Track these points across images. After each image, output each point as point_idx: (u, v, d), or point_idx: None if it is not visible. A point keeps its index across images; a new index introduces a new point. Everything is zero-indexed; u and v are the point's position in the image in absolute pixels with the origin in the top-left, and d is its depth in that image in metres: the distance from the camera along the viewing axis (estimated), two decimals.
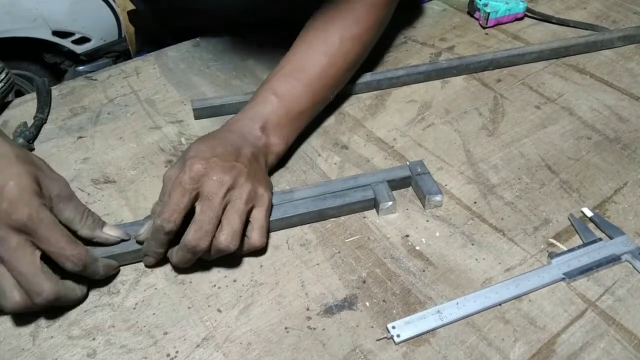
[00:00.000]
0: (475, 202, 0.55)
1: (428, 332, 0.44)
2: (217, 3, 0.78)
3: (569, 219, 0.53)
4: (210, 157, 0.49)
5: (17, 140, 0.61)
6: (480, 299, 0.46)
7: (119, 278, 0.49)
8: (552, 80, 0.70)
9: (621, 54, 0.74)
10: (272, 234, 0.52)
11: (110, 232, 0.48)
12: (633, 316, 0.45)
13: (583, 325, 0.44)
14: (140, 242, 0.49)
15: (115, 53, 2.00)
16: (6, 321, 0.46)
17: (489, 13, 0.79)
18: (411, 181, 0.56)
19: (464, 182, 0.57)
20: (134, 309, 0.47)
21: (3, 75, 0.68)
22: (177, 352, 0.44)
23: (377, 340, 0.44)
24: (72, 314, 0.46)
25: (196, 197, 0.47)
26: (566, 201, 0.55)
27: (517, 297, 0.46)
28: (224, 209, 0.47)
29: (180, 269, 0.49)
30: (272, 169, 0.58)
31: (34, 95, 0.71)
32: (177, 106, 0.69)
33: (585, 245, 0.49)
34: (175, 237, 0.47)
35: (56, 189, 0.47)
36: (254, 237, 0.49)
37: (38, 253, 0.43)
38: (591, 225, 0.52)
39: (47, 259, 0.44)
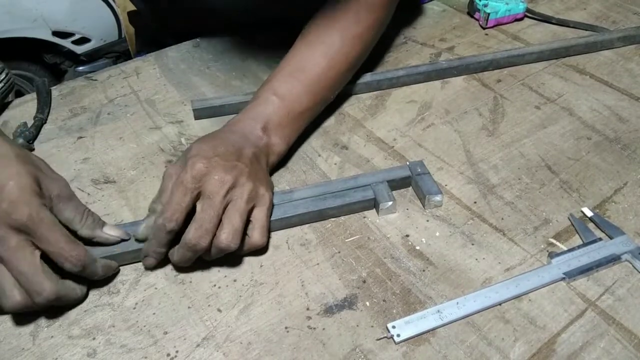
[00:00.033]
0: (475, 202, 0.55)
1: (428, 331, 0.44)
2: (217, 3, 0.78)
3: (569, 219, 0.53)
4: (212, 156, 0.49)
5: (17, 140, 0.61)
6: (480, 298, 0.46)
7: (119, 278, 0.49)
8: (552, 80, 0.70)
9: (621, 55, 0.74)
10: (272, 234, 0.52)
11: (110, 232, 0.48)
12: (633, 316, 0.45)
13: (583, 325, 0.44)
14: (139, 240, 0.49)
15: (115, 53, 2.01)
16: (6, 321, 0.46)
17: (488, 13, 0.79)
18: (411, 181, 0.56)
19: (464, 182, 0.57)
20: (134, 308, 0.47)
21: (3, 75, 0.68)
22: (177, 351, 0.44)
23: (377, 339, 0.44)
24: (72, 314, 0.46)
25: (198, 196, 0.47)
26: (566, 201, 0.55)
27: (517, 297, 0.46)
28: (225, 208, 0.47)
29: (180, 269, 0.49)
30: (272, 169, 0.58)
31: (34, 95, 0.71)
32: (177, 106, 0.69)
33: (585, 245, 0.50)
34: (175, 237, 0.47)
35: (56, 189, 0.47)
36: (255, 236, 0.49)
37: (38, 253, 0.43)
38: (591, 225, 0.52)
39: (47, 259, 0.44)
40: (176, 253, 0.47)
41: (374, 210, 0.54)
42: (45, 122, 0.67)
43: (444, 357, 0.43)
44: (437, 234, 0.52)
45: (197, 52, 0.78)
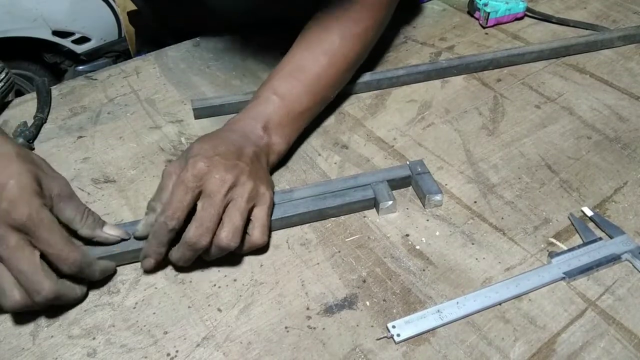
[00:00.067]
0: (475, 202, 0.55)
1: (428, 331, 0.44)
2: (217, 3, 0.78)
3: (569, 219, 0.53)
4: (212, 155, 0.49)
5: (17, 140, 0.61)
6: (480, 298, 0.46)
7: (119, 277, 0.49)
8: (552, 79, 0.70)
9: (621, 54, 0.74)
10: (272, 234, 0.52)
11: (110, 232, 0.48)
12: (633, 315, 0.45)
13: (583, 325, 0.44)
14: (138, 238, 0.49)
15: (115, 53, 2.00)
16: (6, 320, 0.46)
17: (489, 13, 0.79)
18: (411, 181, 0.56)
19: (464, 182, 0.57)
20: (134, 308, 0.47)
21: (3, 75, 0.68)
22: (177, 351, 0.44)
23: (377, 339, 0.44)
24: (72, 314, 0.46)
25: (198, 195, 0.47)
26: (566, 200, 0.55)
27: (517, 297, 0.46)
28: (226, 207, 0.47)
29: (180, 269, 0.49)
30: (273, 169, 0.58)
31: (34, 95, 0.71)
32: (177, 106, 0.69)
33: (585, 244, 0.49)
34: (175, 237, 0.47)
35: (57, 188, 0.47)
36: (256, 234, 0.49)
37: (37, 252, 0.43)
38: (591, 225, 0.52)
39: (46, 259, 0.44)
40: (176, 252, 0.47)
41: (374, 209, 0.54)
42: (45, 122, 0.67)
43: (444, 357, 0.43)
44: (437, 233, 0.52)
45: (197, 52, 0.78)
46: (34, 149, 0.63)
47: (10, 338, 0.45)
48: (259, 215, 0.49)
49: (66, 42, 1.90)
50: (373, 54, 0.69)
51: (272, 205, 0.52)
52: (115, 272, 0.49)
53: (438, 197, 0.54)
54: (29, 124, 0.65)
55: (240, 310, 0.46)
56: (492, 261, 0.49)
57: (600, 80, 0.70)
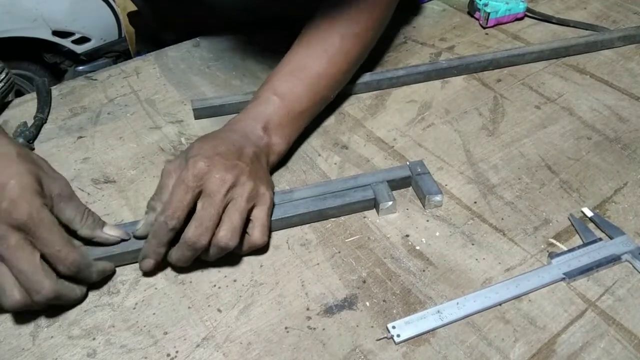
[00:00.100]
0: (475, 202, 0.55)
1: (428, 332, 0.44)
2: (217, 3, 0.78)
3: (569, 219, 0.53)
4: (213, 155, 0.49)
5: (17, 140, 0.61)
6: (480, 299, 0.46)
7: (118, 278, 0.49)
8: (552, 80, 0.70)
9: (621, 54, 0.74)
10: (272, 234, 0.52)
11: (110, 232, 0.48)
12: (633, 316, 0.45)
13: (583, 325, 0.44)
14: (138, 237, 0.49)
15: (115, 53, 2.00)
16: (6, 321, 0.46)
17: (489, 13, 0.79)
18: (411, 181, 0.56)
19: (464, 182, 0.57)
20: (134, 308, 0.47)
21: (3, 75, 0.68)
22: (177, 352, 0.44)
23: (377, 340, 0.44)
24: (72, 314, 0.46)
25: (199, 195, 0.47)
26: (566, 201, 0.55)
27: (517, 297, 0.46)
28: (226, 207, 0.47)
29: (180, 269, 0.49)
30: (272, 169, 0.58)
31: (34, 95, 0.71)
32: (177, 106, 0.69)
33: (585, 245, 0.49)
34: (175, 237, 0.47)
35: (57, 188, 0.47)
36: (256, 234, 0.49)
37: (38, 252, 0.43)
38: (591, 225, 0.52)
39: (46, 259, 0.44)
40: (175, 252, 0.47)
41: (374, 210, 0.54)
42: (45, 122, 0.67)
43: (444, 357, 0.43)
44: (437, 234, 0.52)
45: (197, 52, 0.78)
46: (34, 149, 0.63)
47: (10, 338, 0.45)
48: (259, 215, 0.49)
49: (66, 42, 1.90)
50: (373, 54, 0.69)
51: (272, 206, 0.52)
52: (114, 272, 0.49)
53: (438, 198, 0.54)
54: (29, 124, 0.65)
55: (240, 310, 0.46)
56: (492, 262, 0.49)
57: (600, 81, 0.70)
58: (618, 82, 0.69)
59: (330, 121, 0.66)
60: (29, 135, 0.63)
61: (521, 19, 0.82)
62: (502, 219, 0.53)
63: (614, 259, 0.48)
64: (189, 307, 0.47)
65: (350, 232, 0.52)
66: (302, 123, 0.60)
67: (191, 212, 0.47)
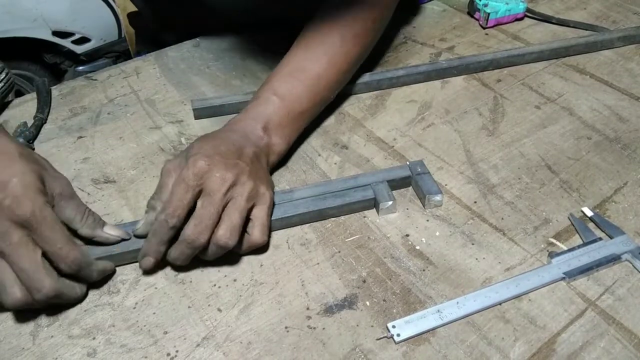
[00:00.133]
0: (475, 202, 0.55)
1: (428, 331, 0.44)
2: (217, 3, 0.78)
3: (569, 219, 0.53)
4: (213, 154, 0.49)
5: (17, 140, 0.61)
6: (480, 298, 0.46)
7: (119, 277, 0.49)
8: (552, 80, 0.70)
9: (621, 54, 0.74)
10: (272, 234, 0.52)
11: (110, 232, 0.49)
12: (633, 315, 0.45)
13: (583, 325, 0.44)
14: (138, 236, 0.49)
15: (115, 53, 2.01)
16: (6, 320, 0.46)
17: (489, 13, 0.79)
18: (411, 181, 0.56)
19: (464, 182, 0.57)
20: (134, 308, 0.47)
21: (3, 75, 0.68)
22: (177, 351, 0.44)
23: (377, 339, 0.44)
24: (72, 313, 0.46)
25: (199, 194, 0.47)
26: (566, 201, 0.55)
27: (517, 297, 0.46)
28: (226, 205, 0.47)
29: (180, 268, 0.49)
30: (273, 169, 0.58)
31: (34, 95, 0.71)
32: (177, 106, 0.69)
33: (585, 244, 0.49)
34: (175, 235, 0.47)
35: (58, 187, 0.47)
36: (255, 234, 0.49)
37: (39, 250, 0.43)
38: (591, 225, 0.52)
39: (47, 257, 0.44)
40: (174, 250, 0.47)
41: (374, 210, 0.54)
42: (45, 122, 0.67)
43: (444, 356, 0.43)
44: (437, 233, 0.52)
45: (197, 52, 0.78)
46: (34, 149, 0.63)
47: (10, 338, 0.45)
48: (259, 214, 0.49)
49: (66, 43, 1.90)
50: (373, 54, 0.69)
51: (272, 205, 0.52)
52: (114, 272, 0.49)
53: (438, 198, 0.54)
54: (29, 124, 0.65)
55: (240, 310, 0.46)
56: (492, 261, 0.49)
57: (600, 81, 0.70)
58: (618, 82, 0.69)
59: (330, 121, 0.66)
60: (29, 135, 0.63)
61: (521, 19, 0.82)
62: (502, 218, 0.53)
63: (614, 259, 0.48)
64: (189, 307, 0.47)
65: (350, 232, 0.52)
66: (302, 123, 0.60)
67: (192, 211, 0.47)
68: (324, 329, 0.45)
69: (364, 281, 0.48)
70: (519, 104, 0.67)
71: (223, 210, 0.47)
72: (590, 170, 0.58)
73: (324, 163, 0.60)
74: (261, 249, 0.50)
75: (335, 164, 0.60)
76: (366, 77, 0.69)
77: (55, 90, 0.72)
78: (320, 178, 0.58)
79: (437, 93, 0.69)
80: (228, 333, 0.45)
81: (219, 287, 0.48)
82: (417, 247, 0.51)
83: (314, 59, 0.60)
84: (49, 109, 0.68)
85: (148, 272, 0.49)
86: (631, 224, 0.52)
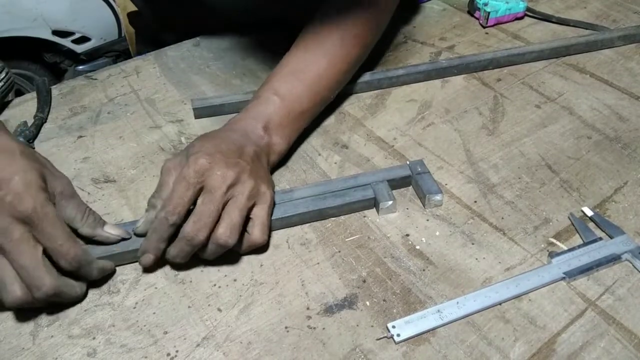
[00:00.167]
0: (475, 202, 0.55)
1: (428, 331, 0.44)
2: (217, 3, 0.78)
3: (569, 219, 0.53)
4: (214, 152, 0.49)
5: (17, 139, 0.61)
6: (481, 298, 0.46)
7: (119, 277, 0.49)
8: (552, 79, 0.70)
9: (621, 54, 0.74)
10: (272, 233, 0.52)
11: (110, 231, 0.49)
12: (633, 315, 0.45)
13: (583, 325, 0.44)
14: (138, 235, 0.49)
15: (115, 52, 2.00)
16: (6, 320, 0.46)
17: (489, 12, 0.79)
18: (411, 180, 0.56)
19: (464, 182, 0.57)
20: (134, 308, 0.47)
21: (3, 74, 0.68)
22: (177, 351, 0.44)
23: (377, 339, 0.44)
24: (72, 313, 0.46)
25: (199, 192, 0.47)
26: (566, 200, 0.55)
27: (517, 297, 0.46)
28: (226, 204, 0.47)
29: (180, 268, 0.49)
30: (273, 168, 0.58)
31: (34, 94, 0.71)
32: (177, 105, 0.69)
33: (585, 244, 0.49)
34: (175, 233, 0.47)
35: (59, 186, 0.47)
36: (255, 233, 0.49)
37: (40, 247, 0.43)
38: (591, 225, 0.52)
39: (47, 255, 0.44)
40: (173, 248, 0.47)
41: (374, 209, 0.54)
42: (46, 121, 0.67)
43: (444, 356, 0.43)
44: (437, 233, 0.52)
45: (197, 51, 0.78)
46: (34, 148, 0.63)
47: (10, 338, 0.45)
48: (259, 214, 0.49)
49: (66, 42, 1.90)
50: (373, 53, 0.69)
51: (273, 205, 0.52)
52: (114, 272, 0.49)
53: (438, 197, 0.54)
54: (29, 124, 0.65)
55: (240, 310, 0.46)
56: (492, 261, 0.49)
57: (600, 80, 0.70)
58: (618, 81, 0.69)
59: (331, 121, 0.66)
60: (29, 135, 0.63)
61: (521, 18, 0.82)
62: (502, 218, 0.53)
63: (614, 259, 0.48)
64: (189, 307, 0.47)
65: (350, 232, 0.52)
66: (303, 123, 0.60)
67: (192, 209, 0.47)
68: (324, 329, 0.45)
69: (364, 281, 0.48)
70: (519, 103, 0.67)
71: (223, 208, 0.47)
72: (590, 170, 0.58)
73: (324, 162, 0.60)
74: (261, 248, 0.50)
75: (335, 163, 0.60)
76: (366, 77, 0.69)
77: (55, 90, 0.72)
78: (320, 178, 0.58)
79: (437, 92, 0.69)
80: (228, 333, 0.45)
81: (219, 287, 0.48)
82: (417, 247, 0.51)
83: (315, 59, 0.60)
84: (49, 109, 0.68)
85: (148, 269, 0.49)
86: (631, 224, 0.52)
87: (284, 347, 0.44)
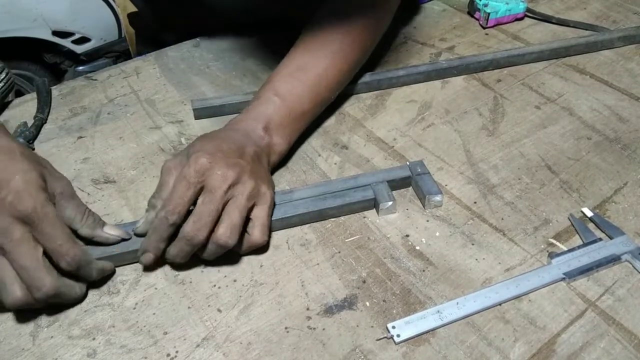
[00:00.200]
0: (475, 202, 0.55)
1: (428, 332, 0.44)
2: (217, 3, 0.78)
3: (569, 219, 0.53)
4: (215, 152, 0.49)
5: (18, 139, 0.61)
6: (480, 298, 0.46)
7: (118, 278, 0.49)
8: (552, 80, 0.70)
9: (621, 54, 0.74)
10: (272, 234, 0.52)
11: (110, 232, 0.48)
12: (633, 316, 0.45)
13: (583, 325, 0.44)
14: (138, 235, 0.49)
15: (115, 53, 2.01)
16: (6, 321, 0.46)
17: (489, 13, 0.79)
18: (411, 181, 0.56)
19: (464, 182, 0.57)
20: (134, 308, 0.47)
21: (3, 75, 0.68)
22: (177, 352, 0.44)
23: (377, 340, 0.44)
24: (72, 314, 0.46)
25: (200, 191, 0.47)
26: (566, 201, 0.55)
27: (517, 297, 0.46)
28: (226, 204, 0.47)
29: (180, 268, 0.49)
30: (273, 169, 0.58)
31: (34, 95, 0.71)
32: (177, 106, 0.69)
33: (585, 245, 0.49)
34: (175, 233, 0.47)
35: (59, 187, 0.47)
36: (256, 233, 0.49)
37: (40, 248, 0.43)
38: (591, 225, 0.52)
39: (47, 255, 0.44)
40: (173, 247, 0.47)
41: (374, 210, 0.54)
42: (45, 122, 0.67)
43: (444, 357, 0.43)
44: (437, 234, 0.52)
45: (197, 52, 0.78)
46: (34, 149, 0.63)
47: (10, 338, 0.45)
48: (260, 214, 0.49)
49: (66, 42, 1.90)
50: (373, 54, 0.69)
51: (273, 205, 0.52)
52: (114, 272, 0.49)
53: (438, 198, 0.54)
54: (29, 124, 0.65)
55: (240, 310, 0.46)
56: (492, 262, 0.49)
57: (600, 81, 0.70)
58: (618, 82, 0.69)
59: (331, 121, 0.66)
60: (29, 135, 0.63)
61: (521, 19, 0.82)
62: (502, 219, 0.53)
63: (614, 259, 0.48)
64: (189, 307, 0.47)
65: (350, 232, 0.52)
66: (303, 124, 0.60)
67: (193, 209, 0.47)
68: (324, 329, 0.45)
69: (364, 281, 0.48)
70: (519, 104, 0.67)
71: (223, 208, 0.47)
72: (590, 171, 0.58)
73: (324, 163, 0.60)
74: (261, 249, 0.50)
75: (335, 164, 0.60)
76: (366, 77, 0.69)
77: (55, 90, 0.72)
78: (320, 178, 0.58)
79: (437, 93, 0.69)
80: (228, 333, 0.45)
81: (219, 287, 0.48)
82: (417, 248, 0.51)
83: (315, 60, 0.60)
84: (49, 109, 0.68)
85: (148, 268, 0.49)
86: (631, 224, 0.52)
87: (284, 347, 0.44)
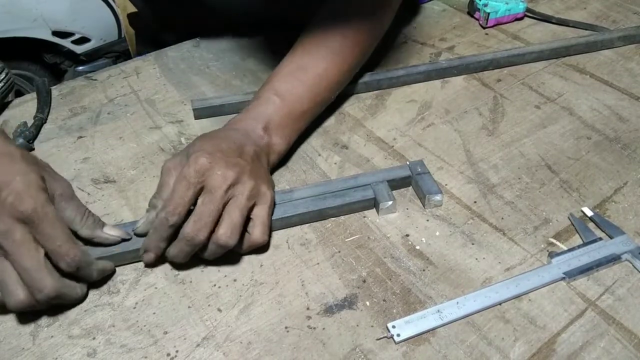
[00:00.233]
0: (475, 202, 0.55)
1: (428, 331, 0.44)
2: (217, 3, 0.78)
3: (569, 219, 0.53)
4: (214, 152, 0.49)
5: (17, 140, 0.61)
6: (480, 298, 0.46)
7: (119, 277, 0.49)
8: (552, 80, 0.70)
9: (621, 54, 0.74)
10: (272, 234, 0.52)
11: (110, 232, 0.48)
12: (633, 315, 0.45)
13: (583, 325, 0.44)
14: (138, 235, 0.49)
15: (115, 53, 2.01)
16: (6, 321, 0.46)
17: (489, 13, 0.79)
18: (411, 181, 0.56)
19: (464, 182, 0.57)
20: (134, 308, 0.47)
21: (3, 75, 0.68)
22: (177, 351, 0.44)
23: (377, 339, 0.44)
24: (72, 314, 0.46)
25: (200, 191, 0.47)
26: (566, 201, 0.55)
27: (517, 297, 0.46)
28: (226, 204, 0.47)
29: (180, 268, 0.49)
30: (273, 169, 0.58)
31: (34, 95, 0.71)
32: (177, 106, 0.69)
33: (585, 244, 0.49)
34: (175, 232, 0.47)
35: (59, 188, 0.47)
36: (256, 233, 0.49)
37: (42, 249, 0.43)
38: (591, 225, 0.52)
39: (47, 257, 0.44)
40: (174, 248, 0.47)
41: (374, 209, 0.54)
42: (45, 122, 0.67)
43: (444, 357, 0.43)
44: (437, 233, 0.52)
45: (197, 52, 0.78)
46: (34, 149, 0.63)
47: (10, 338, 0.45)
48: (260, 214, 0.49)
49: (66, 43, 1.90)
50: (373, 54, 0.69)
51: (273, 205, 0.52)
52: (114, 272, 0.49)
53: (438, 197, 0.54)
54: (29, 124, 0.65)
55: (240, 310, 0.46)
56: (492, 261, 0.49)
57: (600, 81, 0.70)
58: (618, 82, 0.69)
59: (331, 121, 0.66)
60: (29, 135, 0.63)
61: (521, 19, 0.82)
62: (502, 218, 0.53)
63: (614, 259, 0.48)
64: (189, 307, 0.47)
65: (350, 232, 0.52)
66: (303, 124, 0.60)
67: (193, 209, 0.47)
68: (324, 329, 0.45)
69: (364, 281, 0.48)
70: (519, 103, 0.67)
71: (223, 208, 0.47)
72: (590, 170, 0.58)
73: (324, 163, 0.60)
74: (261, 248, 0.50)
75: (335, 163, 0.60)
76: (366, 77, 0.69)
77: (55, 90, 0.72)
78: (320, 178, 0.58)
79: (437, 93, 0.69)
80: (228, 333, 0.45)
81: (219, 287, 0.48)
82: (417, 247, 0.51)
83: (315, 60, 0.60)
84: (49, 109, 0.68)
85: (148, 267, 0.49)
86: (631, 224, 0.52)
87: (284, 347, 0.44)
